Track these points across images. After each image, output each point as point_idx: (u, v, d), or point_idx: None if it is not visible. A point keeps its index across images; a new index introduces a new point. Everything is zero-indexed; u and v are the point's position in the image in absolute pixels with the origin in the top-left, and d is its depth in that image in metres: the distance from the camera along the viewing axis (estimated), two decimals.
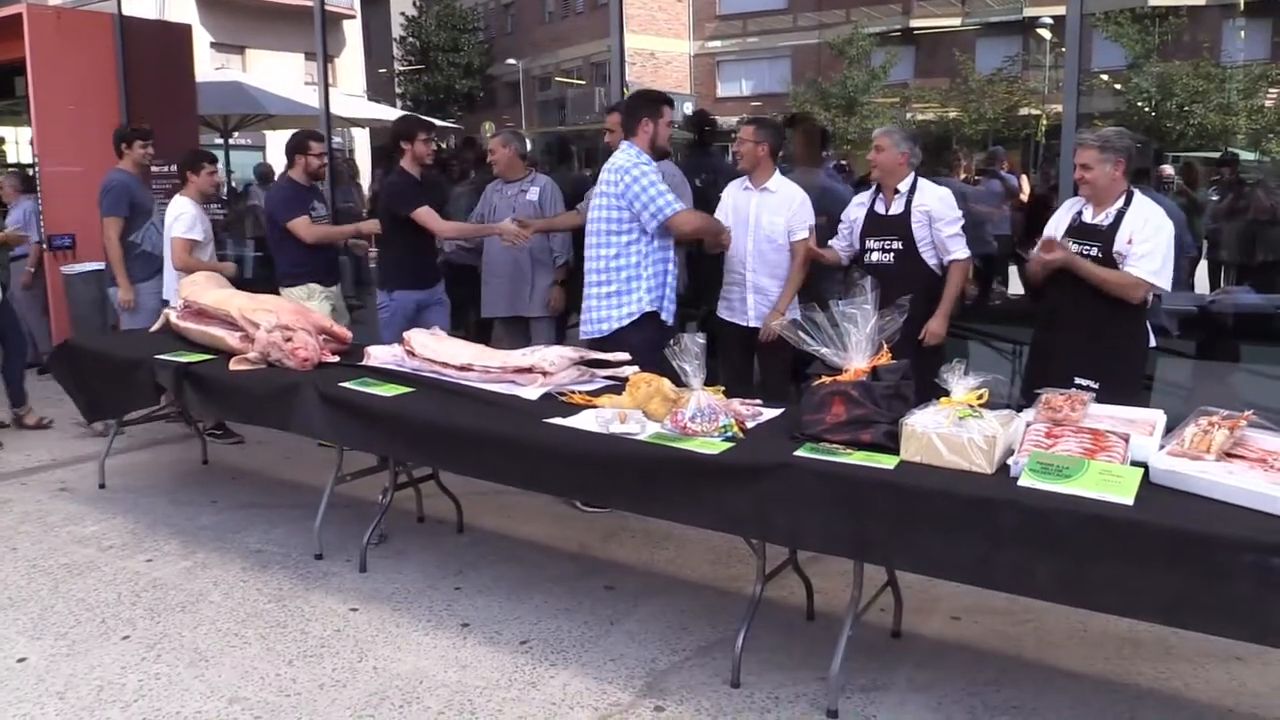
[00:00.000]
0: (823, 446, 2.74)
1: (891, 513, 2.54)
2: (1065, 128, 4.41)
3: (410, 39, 34.39)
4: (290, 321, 4.05)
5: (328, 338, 4.18)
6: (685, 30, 31.41)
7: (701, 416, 2.90)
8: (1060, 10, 5.28)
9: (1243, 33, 22.60)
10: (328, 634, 3.28)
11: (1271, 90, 21.73)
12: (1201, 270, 8.31)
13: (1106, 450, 2.52)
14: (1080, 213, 3.69)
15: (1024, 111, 24.42)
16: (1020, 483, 2.43)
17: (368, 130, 19.22)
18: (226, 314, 4.26)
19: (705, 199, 4.95)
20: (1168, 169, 9.39)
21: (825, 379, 2.83)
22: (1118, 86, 22.76)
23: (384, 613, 3.43)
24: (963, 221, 4.17)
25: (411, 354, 3.83)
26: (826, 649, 2.80)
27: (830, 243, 4.43)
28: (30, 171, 7.46)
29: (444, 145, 12.89)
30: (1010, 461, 2.55)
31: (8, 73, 8.06)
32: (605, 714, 2.80)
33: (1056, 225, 3.75)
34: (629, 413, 3.04)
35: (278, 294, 4.99)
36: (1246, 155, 18.44)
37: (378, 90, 27.44)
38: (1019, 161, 16.15)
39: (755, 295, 4.43)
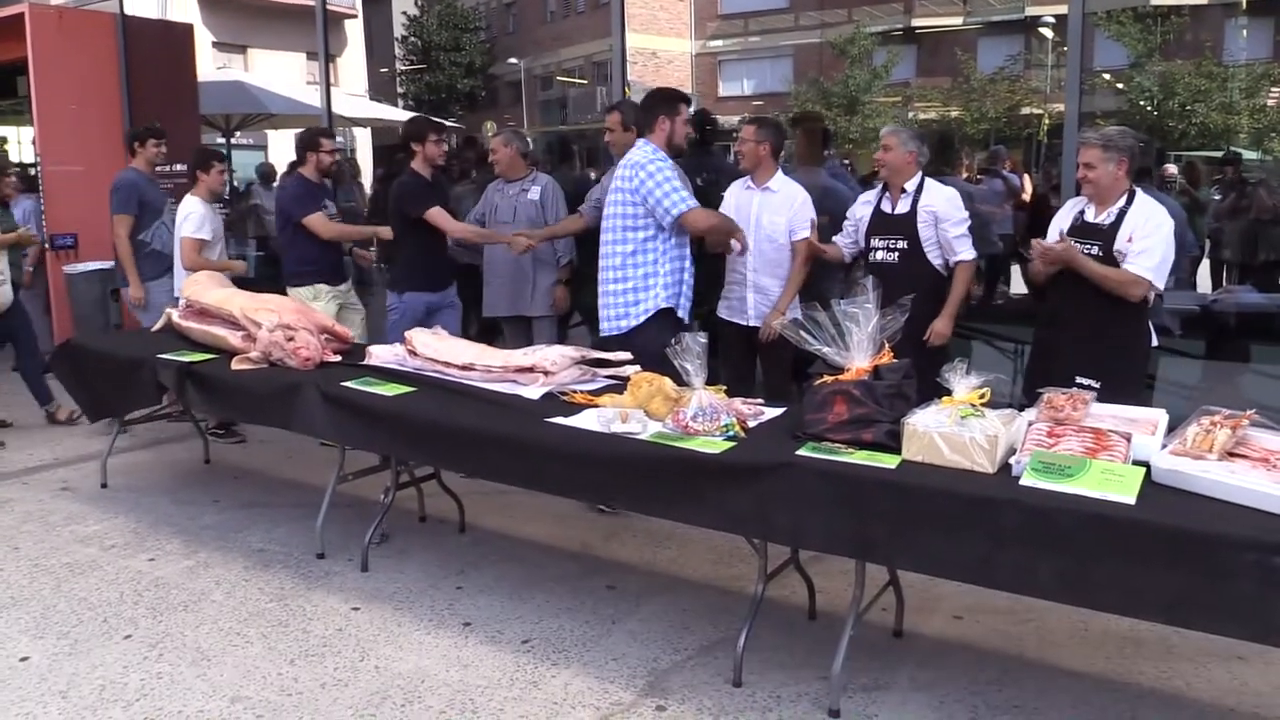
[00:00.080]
0: (824, 446, 2.74)
1: (893, 512, 2.53)
2: (1067, 127, 4.40)
3: (412, 38, 34.40)
4: (292, 321, 4.06)
5: (329, 337, 4.19)
6: (687, 29, 31.41)
7: (703, 416, 2.91)
8: (1062, 9, 5.27)
9: (1245, 32, 22.58)
10: (330, 633, 3.28)
11: (1274, 89, 21.72)
12: (1204, 269, 8.30)
13: (1108, 449, 2.52)
14: (1082, 212, 3.69)
15: (1026, 111, 24.43)
16: (1022, 482, 2.43)
17: (369, 130, 19.24)
18: (228, 313, 4.26)
19: (706, 199, 4.93)
20: (1171, 168, 9.37)
21: (827, 378, 2.83)
22: (1120, 86, 22.75)
23: (386, 612, 3.43)
24: (969, 222, 4.16)
25: (413, 353, 3.83)
26: (828, 648, 2.80)
27: (834, 238, 4.43)
28: (32, 171, 7.46)
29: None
30: (1012, 461, 2.55)
31: (10, 72, 8.07)
32: (607, 713, 2.80)
33: (1059, 224, 3.75)
34: (631, 412, 3.04)
35: (283, 293, 4.98)
36: (1249, 154, 18.44)
37: (379, 90, 27.46)
38: (1021, 161, 16.12)
39: (755, 295, 4.43)
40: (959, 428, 2.57)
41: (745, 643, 2.92)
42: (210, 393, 4.07)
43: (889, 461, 2.62)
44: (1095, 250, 3.56)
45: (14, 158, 12.19)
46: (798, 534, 2.79)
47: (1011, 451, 2.60)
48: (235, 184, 12.49)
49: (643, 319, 4.08)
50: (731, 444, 2.84)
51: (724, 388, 3.16)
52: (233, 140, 11.97)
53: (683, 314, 4.19)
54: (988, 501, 2.41)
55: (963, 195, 4.29)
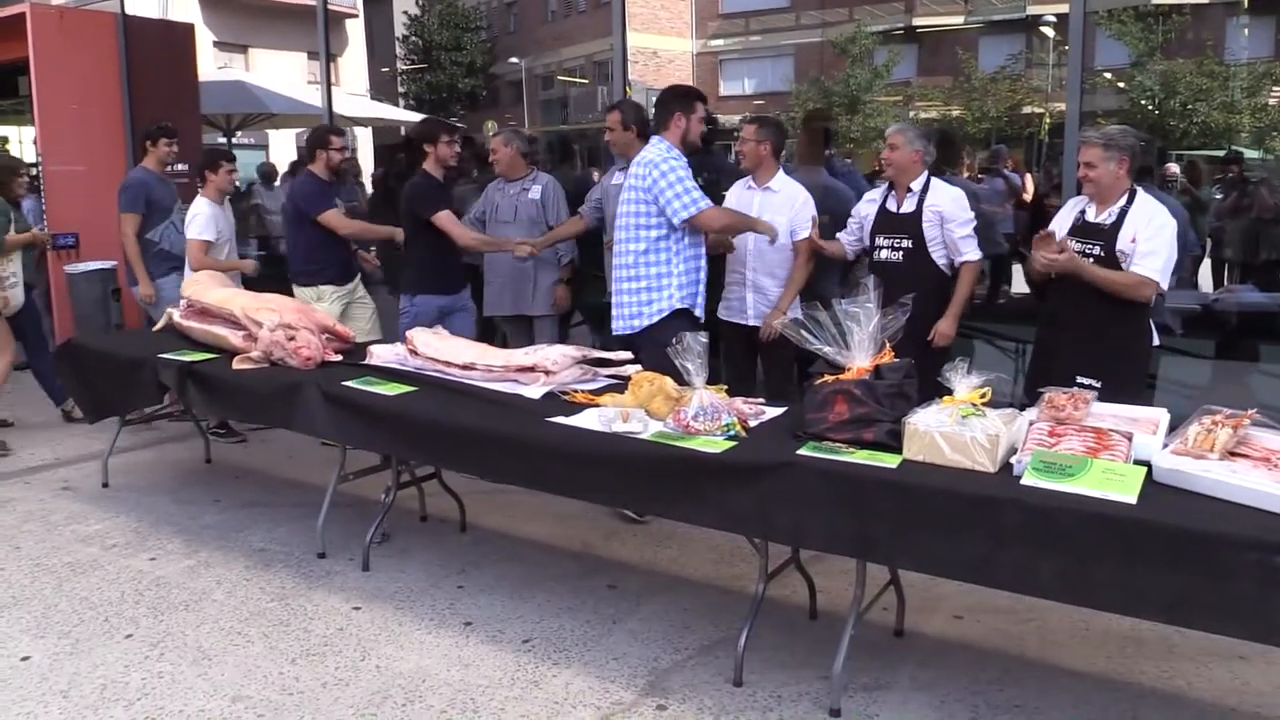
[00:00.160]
0: (825, 445, 2.74)
1: (894, 512, 2.53)
2: (1068, 126, 4.39)
3: (413, 38, 34.43)
4: (293, 320, 4.06)
5: (331, 337, 4.19)
6: (688, 29, 31.43)
7: (704, 415, 2.90)
8: (1063, 8, 5.26)
9: (1246, 30, 22.58)
10: (330, 633, 3.28)
11: (1275, 88, 21.71)
12: (1205, 268, 8.30)
13: (1110, 449, 2.52)
14: (1083, 211, 3.68)
15: (1027, 110, 24.45)
16: (1023, 481, 2.43)
17: (370, 129, 19.24)
18: (230, 313, 4.26)
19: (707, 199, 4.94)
20: (1173, 167, 9.36)
21: (828, 378, 2.82)
22: (1121, 85, 22.76)
23: (387, 611, 3.43)
24: (975, 223, 4.14)
25: (414, 353, 3.83)
26: (829, 648, 2.80)
27: (838, 235, 4.41)
28: (33, 170, 7.46)
29: None
30: (1013, 460, 2.55)
31: (11, 72, 8.06)
32: (608, 713, 2.80)
33: (1059, 224, 3.74)
34: (631, 411, 3.04)
35: (288, 291, 4.96)
36: (1250, 153, 18.43)
37: (380, 89, 27.47)
38: (1022, 160, 16.12)
39: (754, 294, 4.42)
40: (960, 427, 2.57)
41: (746, 642, 2.92)
42: (211, 392, 4.07)
43: (890, 461, 2.61)
44: (1097, 250, 3.56)
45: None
46: (799, 533, 2.79)
47: (1013, 451, 2.60)
48: (236, 184, 12.50)
49: (656, 319, 4.03)
50: (732, 443, 2.84)
51: (725, 387, 3.15)
52: (234, 140, 11.97)
53: (699, 314, 4.13)
54: (989, 501, 2.41)
55: (968, 196, 4.28)
